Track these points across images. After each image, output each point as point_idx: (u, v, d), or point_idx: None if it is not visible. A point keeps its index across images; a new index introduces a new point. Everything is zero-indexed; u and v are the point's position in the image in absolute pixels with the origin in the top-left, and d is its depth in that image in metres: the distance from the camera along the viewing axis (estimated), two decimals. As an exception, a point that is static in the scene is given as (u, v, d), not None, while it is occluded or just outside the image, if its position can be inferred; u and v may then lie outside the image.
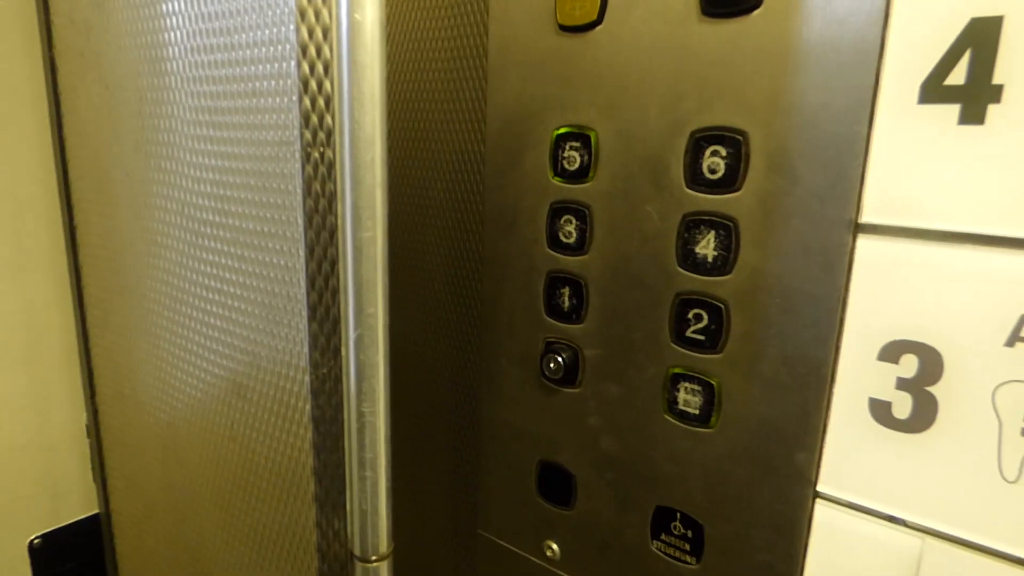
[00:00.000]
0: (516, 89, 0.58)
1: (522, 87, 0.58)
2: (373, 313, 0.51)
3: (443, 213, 0.72)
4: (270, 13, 0.49)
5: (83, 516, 0.74)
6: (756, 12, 0.45)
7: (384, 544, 0.56)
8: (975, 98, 0.38)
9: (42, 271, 0.75)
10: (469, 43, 0.66)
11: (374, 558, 0.55)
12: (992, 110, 0.38)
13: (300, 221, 0.52)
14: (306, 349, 0.55)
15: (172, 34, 0.59)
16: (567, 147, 0.56)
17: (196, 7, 0.57)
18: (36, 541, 0.70)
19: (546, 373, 0.59)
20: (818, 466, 0.47)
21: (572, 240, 0.57)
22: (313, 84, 0.50)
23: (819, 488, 0.47)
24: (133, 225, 0.69)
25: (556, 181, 0.57)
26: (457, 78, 0.68)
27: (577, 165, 0.55)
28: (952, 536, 0.42)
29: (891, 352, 0.43)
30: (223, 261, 0.61)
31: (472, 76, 0.66)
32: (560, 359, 0.58)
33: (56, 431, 0.73)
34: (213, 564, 0.71)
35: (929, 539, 0.43)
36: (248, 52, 0.52)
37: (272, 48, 0.50)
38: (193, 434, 0.68)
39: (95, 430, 0.74)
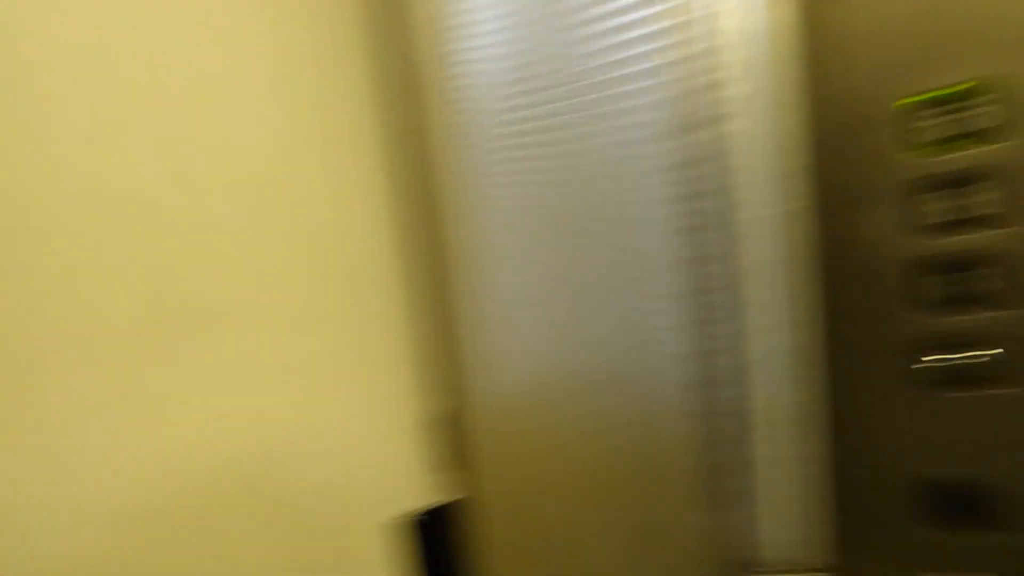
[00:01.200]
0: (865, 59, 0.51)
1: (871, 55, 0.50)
2: (772, 300, 0.47)
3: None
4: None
5: (450, 500, 0.79)
6: None
7: (821, 555, 0.50)
8: None
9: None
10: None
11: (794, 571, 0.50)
12: None
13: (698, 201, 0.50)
14: (694, 337, 0.52)
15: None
16: (958, 109, 0.48)
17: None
18: (417, 517, 0.77)
19: (951, 374, 0.51)
20: None
21: (978, 215, 0.48)
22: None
23: None
24: (495, 223, 0.72)
25: (942, 150, 0.49)
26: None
27: (972, 128, 0.47)
28: None
29: None
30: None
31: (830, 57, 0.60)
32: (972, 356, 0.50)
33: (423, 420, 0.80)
34: (589, 556, 0.70)
35: None
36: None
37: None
38: (566, 426, 0.69)
39: (461, 420, 0.78)
